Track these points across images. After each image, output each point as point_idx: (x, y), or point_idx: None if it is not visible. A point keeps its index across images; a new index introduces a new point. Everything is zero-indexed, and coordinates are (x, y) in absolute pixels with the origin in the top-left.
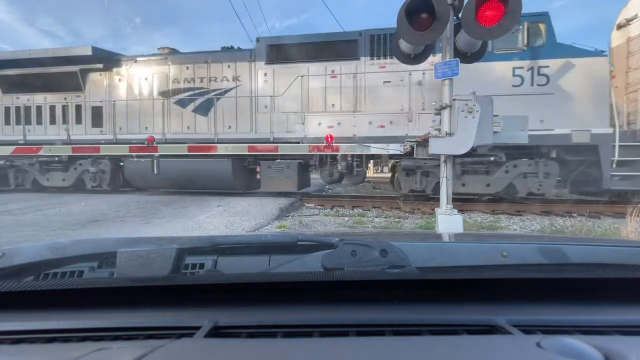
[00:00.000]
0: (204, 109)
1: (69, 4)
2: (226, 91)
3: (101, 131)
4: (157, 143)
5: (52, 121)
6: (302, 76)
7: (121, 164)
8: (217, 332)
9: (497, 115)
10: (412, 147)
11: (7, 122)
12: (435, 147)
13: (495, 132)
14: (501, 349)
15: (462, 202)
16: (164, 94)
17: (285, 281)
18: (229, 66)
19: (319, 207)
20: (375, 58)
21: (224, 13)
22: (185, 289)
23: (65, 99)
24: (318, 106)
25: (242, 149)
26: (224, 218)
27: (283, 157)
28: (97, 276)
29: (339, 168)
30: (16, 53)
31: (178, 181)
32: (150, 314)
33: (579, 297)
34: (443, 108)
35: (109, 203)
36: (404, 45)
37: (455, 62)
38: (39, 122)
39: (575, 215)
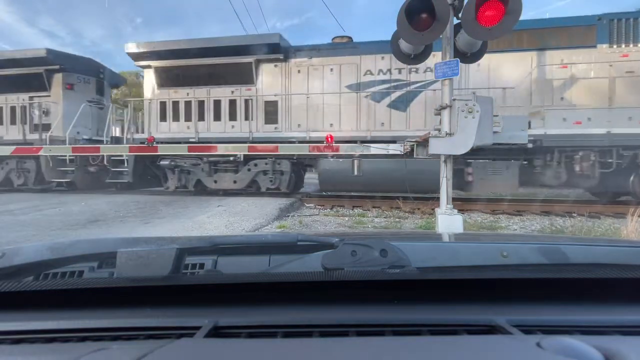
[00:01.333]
0: (401, 103)
1: (70, 4)
2: (430, 83)
3: (276, 128)
4: (362, 141)
5: (217, 117)
6: (542, 66)
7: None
8: (217, 332)
9: (497, 116)
10: (412, 147)
11: (163, 118)
12: (435, 147)
13: (495, 132)
14: (501, 349)
15: (462, 202)
16: (354, 87)
17: (285, 281)
18: (433, 55)
19: (319, 207)
20: (615, 45)
21: (224, 13)
22: (185, 289)
23: (232, 92)
24: (547, 100)
25: (242, 149)
26: (224, 218)
27: (498, 156)
28: (97, 276)
29: (579, 169)
30: (177, 42)
31: (384, 183)
32: (150, 314)
33: (579, 297)
34: (443, 108)
35: (109, 203)
36: (404, 45)
37: (455, 62)
38: (201, 118)
39: (575, 215)
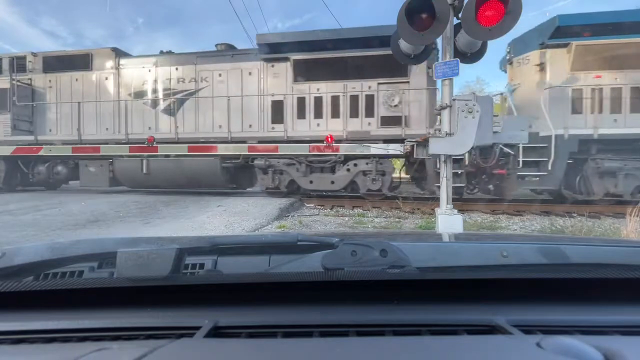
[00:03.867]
0: None
1: (71, 5)
2: None
3: None
4: None
5: (636, 108)
6: None
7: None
8: (217, 332)
9: (497, 116)
10: (412, 147)
11: (578, 110)
12: (435, 147)
13: (495, 132)
14: (501, 349)
15: (462, 202)
16: None
17: (285, 281)
18: None
19: (319, 207)
20: None
21: (224, 14)
22: (185, 289)
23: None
24: None
25: (241, 149)
26: (223, 218)
27: None
28: (97, 276)
29: None
30: (619, 14)
31: None
32: (150, 314)
33: (579, 297)
34: (443, 108)
35: (109, 203)
36: (403, 45)
37: (455, 62)
38: (617, 110)
39: (575, 215)
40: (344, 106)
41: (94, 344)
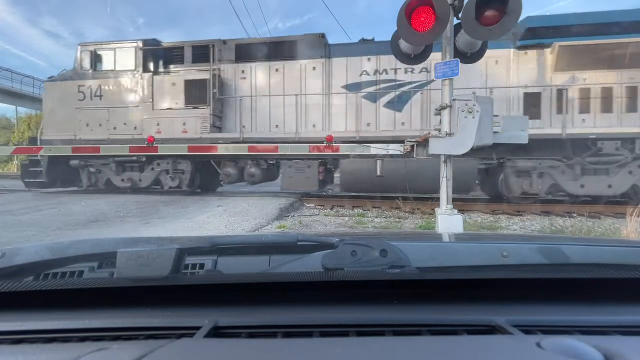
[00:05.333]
0: None
1: (72, 5)
2: None
3: None
4: None
5: None
6: None
7: None
8: (217, 332)
9: (497, 116)
10: (412, 147)
11: None
12: (435, 147)
13: (495, 132)
14: (501, 349)
15: (462, 202)
16: None
17: (285, 281)
18: None
19: (319, 207)
20: None
21: (225, 14)
22: (185, 289)
23: None
24: None
25: (241, 149)
26: (223, 218)
27: None
28: (97, 276)
29: None
30: None
31: None
32: (150, 314)
33: (579, 297)
34: (443, 108)
35: (109, 203)
36: (403, 45)
37: (455, 62)
38: None
39: (575, 215)
40: (619, 99)
41: (94, 344)
